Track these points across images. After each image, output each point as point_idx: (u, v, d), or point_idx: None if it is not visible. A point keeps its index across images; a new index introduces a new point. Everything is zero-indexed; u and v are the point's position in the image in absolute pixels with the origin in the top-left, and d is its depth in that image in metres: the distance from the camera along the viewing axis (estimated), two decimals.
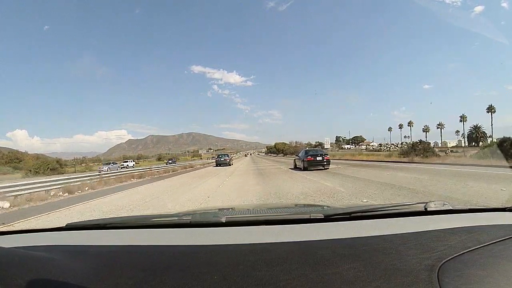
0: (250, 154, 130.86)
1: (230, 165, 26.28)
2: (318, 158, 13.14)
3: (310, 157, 13.21)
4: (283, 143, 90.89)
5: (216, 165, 26.66)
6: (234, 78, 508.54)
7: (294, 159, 16.29)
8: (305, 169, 13.09)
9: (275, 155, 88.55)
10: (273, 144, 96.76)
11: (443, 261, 0.59)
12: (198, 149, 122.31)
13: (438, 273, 0.55)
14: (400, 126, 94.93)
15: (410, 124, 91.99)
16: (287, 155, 58.83)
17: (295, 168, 15.14)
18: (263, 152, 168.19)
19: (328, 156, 13.72)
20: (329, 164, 13.41)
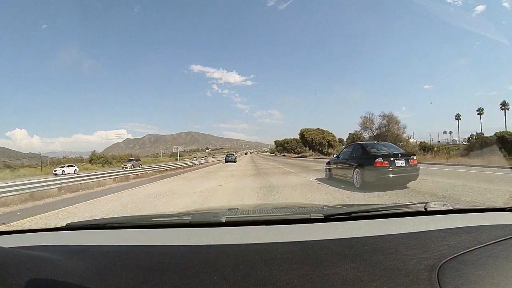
0: (250, 153, 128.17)
1: (235, 162, 32.69)
2: (399, 163, 6.14)
3: (381, 160, 6.11)
4: (319, 130, 44.78)
5: (225, 162, 32.93)
6: (234, 77, 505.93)
7: (329, 165, 8.75)
8: (363, 185, 6.28)
9: (297, 155, 48.47)
10: (299, 132, 48.68)
11: (443, 261, 0.59)
12: (175, 146, 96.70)
13: (438, 273, 0.55)
14: (457, 117, 61.02)
15: (505, 106, 51.93)
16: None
17: (331, 178, 8.24)
18: (266, 151, 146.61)
19: (415, 159, 6.51)
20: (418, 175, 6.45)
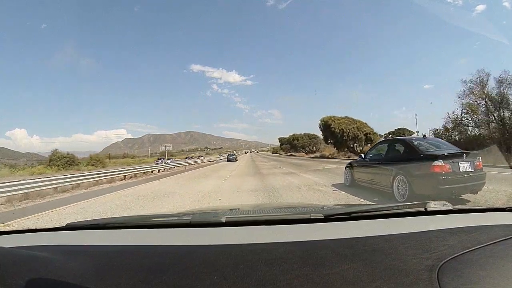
0: (250, 153, 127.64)
1: (236, 160, 35.87)
2: (463, 167, 4.35)
3: (442, 163, 4.22)
4: (348, 118, 29.01)
5: (228, 161, 36.06)
6: (234, 77, 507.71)
7: (350, 167, 6.85)
8: (411, 199, 4.29)
9: (312, 155, 36.84)
10: (320, 122, 29.53)
11: (443, 261, 0.59)
12: (161, 144, 78.33)
13: (438, 273, 0.55)
14: None
15: None
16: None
17: (354, 185, 6.44)
18: (268, 151, 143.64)
19: (481, 161, 4.63)
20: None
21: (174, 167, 23.69)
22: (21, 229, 1.14)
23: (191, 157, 78.57)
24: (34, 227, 1.14)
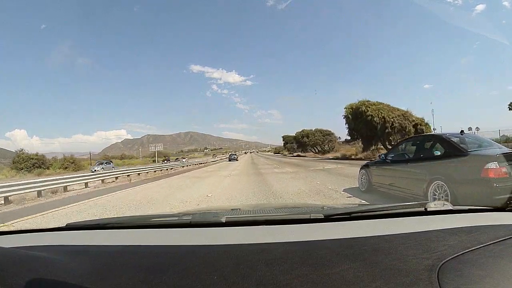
0: (251, 153, 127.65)
1: (237, 160, 38.89)
2: None
3: (496, 165, 3.22)
4: (382, 104, 19.73)
5: (229, 160, 38.58)
6: (234, 77, 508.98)
7: (367, 169, 5.84)
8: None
9: (330, 155, 29.89)
10: (346, 111, 21.26)
11: (443, 261, 0.59)
12: (151, 144, 61.94)
13: (438, 273, 0.55)
14: None
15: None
16: None
17: (371, 191, 5.60)
18: (268, 151, 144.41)
19: None
20: None
21: (106, 180, 12.60)
22: (21, 229, 1.13)
23: (177, 159, 64.80)
24: (34, 227, 1.14)
